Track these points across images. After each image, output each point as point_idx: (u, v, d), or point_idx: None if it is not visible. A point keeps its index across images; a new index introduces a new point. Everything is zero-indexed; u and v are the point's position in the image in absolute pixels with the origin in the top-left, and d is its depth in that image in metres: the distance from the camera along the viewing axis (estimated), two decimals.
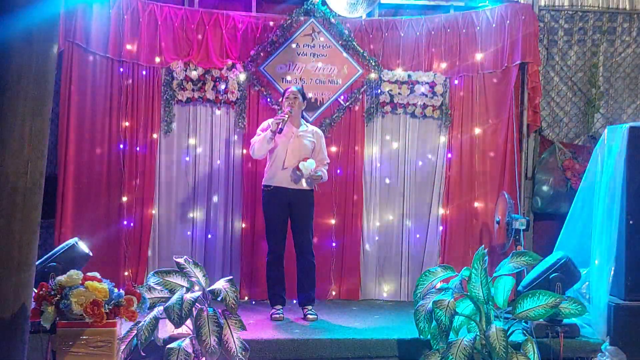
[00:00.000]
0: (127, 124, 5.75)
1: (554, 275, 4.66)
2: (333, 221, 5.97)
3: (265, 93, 5.90)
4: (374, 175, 6.06)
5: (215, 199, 5.92)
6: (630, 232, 4.71)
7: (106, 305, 3.86)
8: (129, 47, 5.72)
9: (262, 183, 5.23)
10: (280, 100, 5.39)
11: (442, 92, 6.00)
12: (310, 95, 5.91)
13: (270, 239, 5.16)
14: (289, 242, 5.22)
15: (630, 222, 4.70)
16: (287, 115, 5.03)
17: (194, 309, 3.95)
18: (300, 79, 5.95)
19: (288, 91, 5.22)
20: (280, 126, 4.98)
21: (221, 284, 4.16)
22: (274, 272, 5.16)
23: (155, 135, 5.82)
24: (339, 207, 5.98)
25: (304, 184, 5.13)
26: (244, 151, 5.86)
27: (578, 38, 6.37)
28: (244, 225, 5.89)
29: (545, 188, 6.16)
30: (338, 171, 5.94)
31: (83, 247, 4.65)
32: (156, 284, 4.18)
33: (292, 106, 5.13)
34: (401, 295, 6.04)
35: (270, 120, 5.15)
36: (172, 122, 5.84)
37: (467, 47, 6.02)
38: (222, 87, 5.84)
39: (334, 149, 5.95)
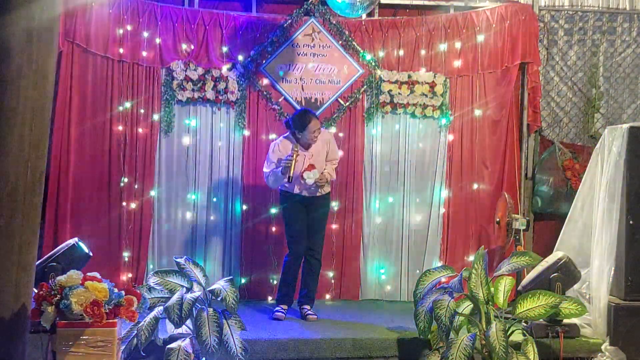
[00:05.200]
0: (127, 124, 5.75)
1: (554, 275, 4.65)
2: (333, 223, 5.96)
3: (265, 93, 5.90)
4: (374, 175, 6.06)
5: (215, 199, 5.91)
6: (630, 232, 4.70)
7: (106, 306, 3.85)
8: (129, 47, 5.72)
9: (280, 188, 5.22)
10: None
11: (442, 92, 6.00)
12: (310, 95, 5.93)
13: (291, 241, 5.18)
14: None
15: (630, 222, 4.70)
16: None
17: (194, 309, 3.95)
18: (300, 78, 5.95)
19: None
20: (288, 174, 4.88)
21: (221, 284, 4.17)
22: (291, 274, 5.19)
23: (155, 136, 5.82)
24: (339, 208, 5.97)
25: (318, 191, 5.13)
26: (244, 151, 5.87)
27: (578, 38, 6.37)
28: (244, 226, 5.89)
29: (545, 188, 6.16)
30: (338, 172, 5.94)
31: (83, 247, 4.65)
32: (156, 284, 4.19)
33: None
34: (401, 295, 6.04)
35: (279, 154, 5.03)
36: (172, 122, 5.84)
37: (467, 47, 6.02)
38: (222, 87, 5.84)
39: None
